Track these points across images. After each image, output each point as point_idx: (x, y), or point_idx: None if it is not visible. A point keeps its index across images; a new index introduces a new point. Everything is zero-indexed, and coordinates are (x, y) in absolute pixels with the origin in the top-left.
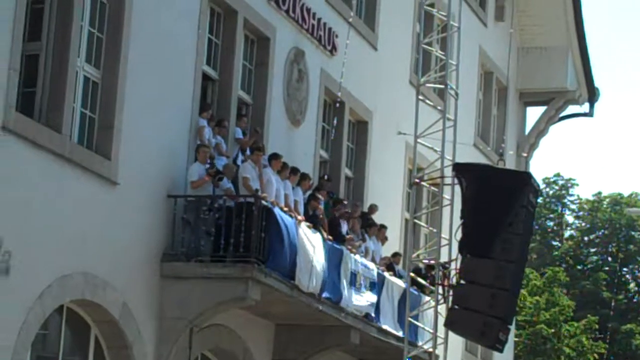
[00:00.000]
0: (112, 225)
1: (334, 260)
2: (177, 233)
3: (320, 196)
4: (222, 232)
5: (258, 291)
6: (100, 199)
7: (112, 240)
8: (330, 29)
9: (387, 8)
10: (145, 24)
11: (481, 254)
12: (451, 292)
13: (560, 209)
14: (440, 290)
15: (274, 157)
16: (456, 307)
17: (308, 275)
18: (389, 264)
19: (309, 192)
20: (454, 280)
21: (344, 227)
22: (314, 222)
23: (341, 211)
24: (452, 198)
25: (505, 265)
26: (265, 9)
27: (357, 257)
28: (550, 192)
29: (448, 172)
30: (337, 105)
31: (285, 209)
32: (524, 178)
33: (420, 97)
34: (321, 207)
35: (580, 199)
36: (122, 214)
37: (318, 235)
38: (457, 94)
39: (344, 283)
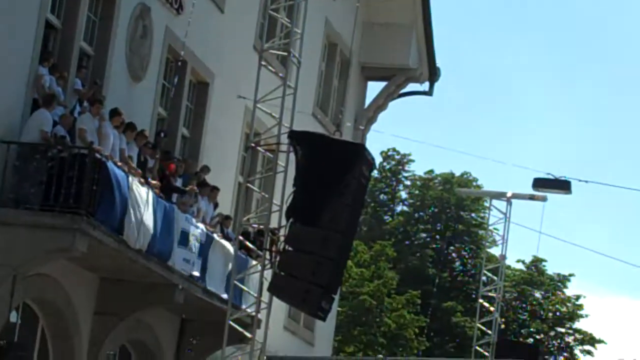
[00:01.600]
0: None
1: (165, 217)
2: (7, 179)
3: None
4: (54, 182)
5: (85, 243)
6: None
7: None
8: None
9: None
10: None
11: (309, 222)
12: (278, 258)
13: (394, 184)
14: (268, 256)
15: (115, 113)
16: (281, 273)
17: (136, 231)
18: (220, 226)
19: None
20: (281, 247)
21: (178, 182)
22: (167, 187)
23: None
24: (287, 165)
25: (332, 234)
26: None
27: (188, 216)
28: (387, 167)
29: (285, 139)
30: (179, 64)
31: (120, 163)
32: (359, 150)
33: (263, 62)
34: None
35: (414, 175)
36: None
37: (150, 191)
38: (299, 62)
39: (174, 241)
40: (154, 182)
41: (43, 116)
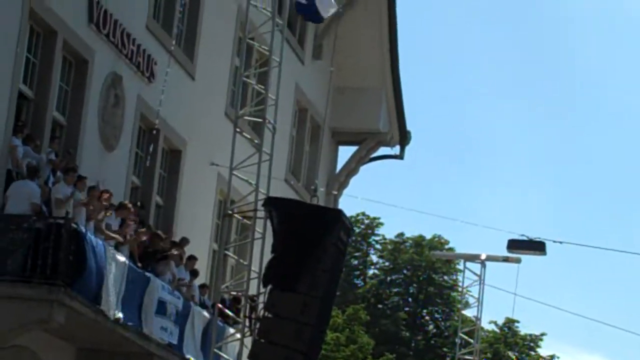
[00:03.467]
0: None
1: (140, 287)
2: None
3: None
4: (30, 253)
5: (63, 314)
6: None
7: None
8: (149, 55)
9: (207, 38)
10: None
11: (288, 288)
12: (257, 325)
13: (365, 247)
14: (247, 323)
15: (80, 179)
16: (261, 340)
17: (114, 301)
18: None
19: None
20: (260, 314)
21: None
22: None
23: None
24: (264, 231)
25: (311, 300)
26: (86, 31)
27: (164, 284)
28: (357, 231)
29: (261, 205)
30: (154, 132)
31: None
32: (336, 215)
33: (237, 129)
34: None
35: (385, 239)
36: None
37: (126, 260)
38: (274, 128)
39: (150, 310)
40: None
41: (31, 188)
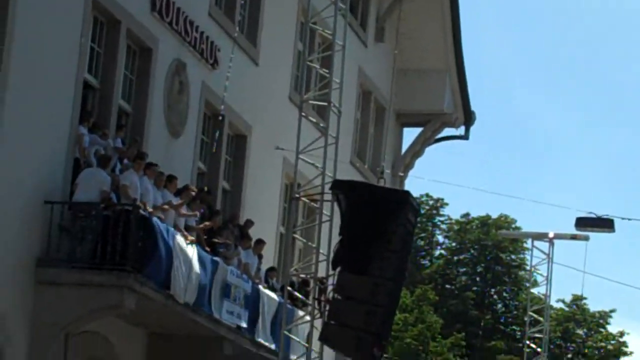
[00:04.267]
0: None
1: (209, 271)
2: (53, 239)
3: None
4: (100, 240)
5: (133, 300)
6: None
7: None
8: (212, 42)
9: (270, 24)
10: (28, 30)
11: (358, 271)
12: (327, 307)
13: (430, 228)
14: (317, 305)
15: (148, 166)
16: (332, 322)
17: (183, 286)
18: (266, 278)
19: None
20: (330, 296)
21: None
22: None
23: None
24: (332, 214)
25: (381, 282)
26: (149, 20)
27: (232, 268)
28: (421, 212)
29: (327, 188)
30: (220, 118)
31: (166, 207)
32: (403, 196)
33: (303, 113)
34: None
35: (450, 219)
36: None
37: (194, 245)
38: (339, 112)
39: (218, 294)
40: (200, 226)
41: (102, 176)
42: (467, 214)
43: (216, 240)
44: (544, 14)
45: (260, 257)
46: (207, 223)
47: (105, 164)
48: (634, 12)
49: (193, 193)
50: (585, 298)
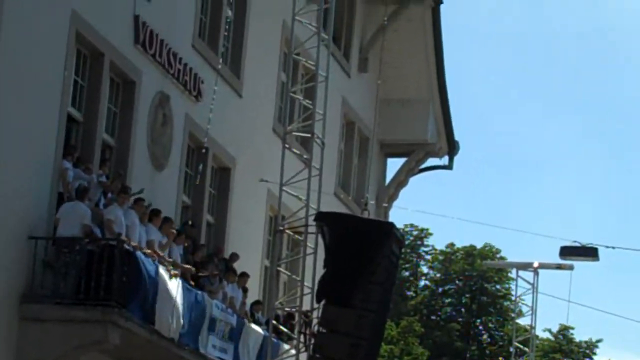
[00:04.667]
0: None
1: (195, 305)
2: (37, 275)
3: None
4: (84, 275)
5: (117, 335)
6: None
7: None
8: (196, 74)
9: (253, 55)
10: (11, 63)
11: (342, 303)
12: (312, 341)
13: (415, 259)
14: (302, 339)
15: (136, 201)
16: (317, 355)
17: (168, 321)
18: (252, 312)
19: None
20: (315, 329)
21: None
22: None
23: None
24: (316, 246)
25: (365, 314)
26: (132, 52)
27: (217, 302)
28: (406, 243)
29: (312, 220)
30: (204, 151)
31: (149, 251)
32: (387, 228)
33: (286, 145)
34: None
35: (435, 250)
36: None
37: (179, 279)
38: (323, 143)
39: (204, 329)
40: (186, 266)
41: (82, 209)
42: (452, 244)
43: (201, 274)
44: (528, 41)
45: (245, 290)
46: (187, 266)
47: (84, 196)
48: (617, 32)
49: (173, 231)
50: (572, 328)
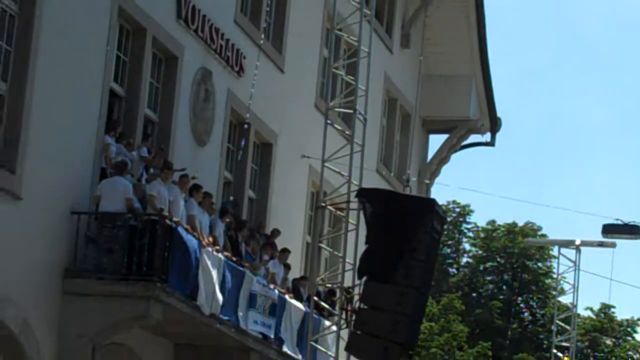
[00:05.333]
0: (15, 240)
1: (235, 281)
2: (79, 250)
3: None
4: (126, 250)
5: (160, 310)
6: (4, 213)
7: (14, 255)
8: (238, 50)
9: (295, 31)
10: (54, 39)
11: (384, 280)
12: (353, 317)
13: (457, 236)
14: (343, 315)
15: (182, 178)
16: (358, 332)
17: (209, 297)
18: (295, 287)
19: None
20: (356, 305)
21: (244, 248)
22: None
23: (243, 233)
24: (358, 223)
25: (407, 291)
26: (174, 28)
27: (258, 278)
28: (448, 220)
29: (353, 196)
30: (245, 127)
31: (188, 227)
32: (429, 204)
33: (328, 121)
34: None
35: (477, 227)
36: (25, 229)
37: (220, 255)
38: (365, 119)
39: (244, 304)
40: (226, 253)
41: (122, 183)
42: (493, 221)
43: (243, 249)
44: (572, 17)
45: (287, 266)
46: (226, 253)
47: (123, 171)
48: None
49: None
50: (613, 307)
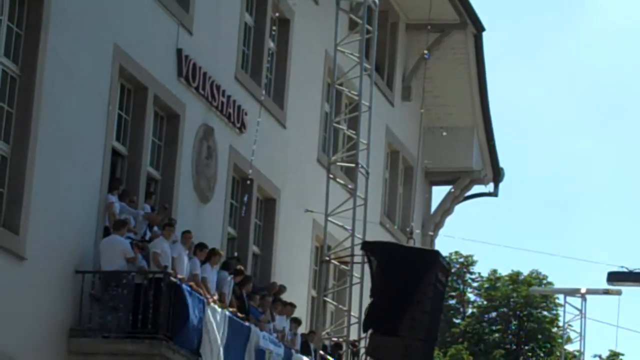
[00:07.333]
0: (20, 300)
1: (241, 337)
2: (84, 309)
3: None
4: (131, 308)
5: None
6: (8, 273)
7: (19, 316)
8: (239, 106)
9: (296, 86)
10: (55, 99)
11: (389, 332)
12: None
13: (462, 286)
14: None
15: (185, 233)
16: None
17: (215, 353)
18: (304, 342)
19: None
20: (362, 358)
21: (248, 303)
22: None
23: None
24: (362, 276)
25: (412, 343)
26: (175, 85)
27: (265, 333)
28: (452, 270)
29: (357, 250)
30: (249, 182)
31: (192, 284)
32: (433, 256)
33: (330, 175)
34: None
35: (481, 277)
36: (30, 289)
37: (226, 311)
38: (367, 172)
39: None
40: (232, 309)
41: (120, 242)
42: (495, 271)
43: (249, 304)
44: (572, 67)
45: (296, 321)
46: (232, 309)
47: (120, 228)
48: None
49: (222, 254)
50: (621, 354)
